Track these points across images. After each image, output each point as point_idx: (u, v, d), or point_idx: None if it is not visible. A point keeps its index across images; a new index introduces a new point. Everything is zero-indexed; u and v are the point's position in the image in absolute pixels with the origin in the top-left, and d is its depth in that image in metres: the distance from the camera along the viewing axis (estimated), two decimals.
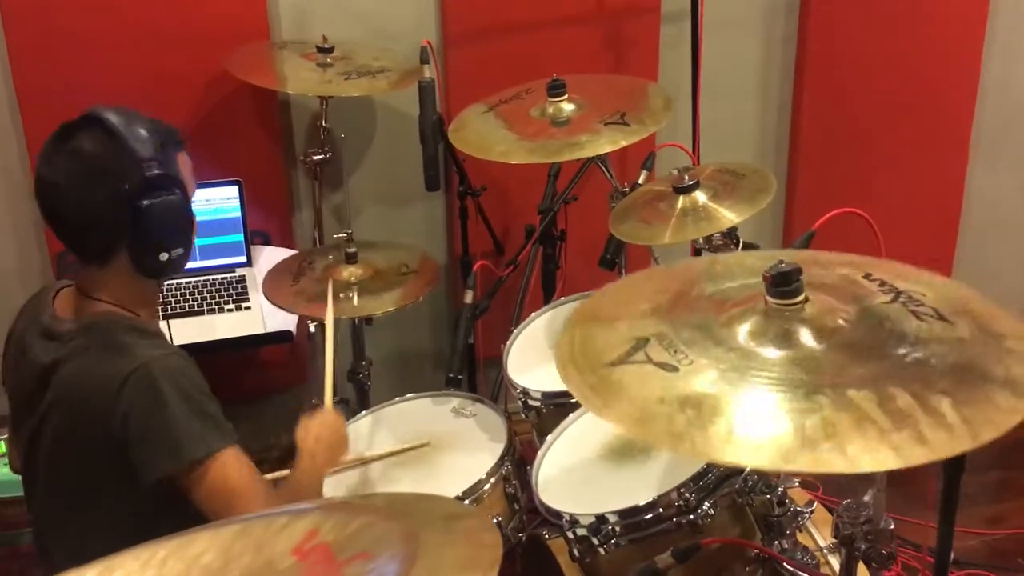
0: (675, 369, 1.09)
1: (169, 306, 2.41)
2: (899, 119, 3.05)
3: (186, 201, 1.62)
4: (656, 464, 1.72)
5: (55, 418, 1.58)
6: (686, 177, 1.91)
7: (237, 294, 2.49)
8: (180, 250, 1.62)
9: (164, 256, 1.59)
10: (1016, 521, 2.70)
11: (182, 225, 1.62)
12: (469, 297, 2.15)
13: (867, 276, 1.22)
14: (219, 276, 2.55)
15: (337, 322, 2.66)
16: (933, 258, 3.05)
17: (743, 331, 1.15)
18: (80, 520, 1.60)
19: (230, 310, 2.45)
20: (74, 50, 2.52)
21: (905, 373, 1.04)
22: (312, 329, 2.43)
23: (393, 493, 1.62)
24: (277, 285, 2.33)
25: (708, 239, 1.95)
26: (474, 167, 2.55)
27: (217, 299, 2.47)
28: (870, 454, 0.96)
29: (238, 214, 2.59)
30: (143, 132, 1.55)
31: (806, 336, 1.12)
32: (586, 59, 2.78)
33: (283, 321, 2.38)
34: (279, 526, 0.92)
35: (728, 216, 1.86)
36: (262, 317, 2.41)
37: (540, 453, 1.84)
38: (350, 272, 2.31)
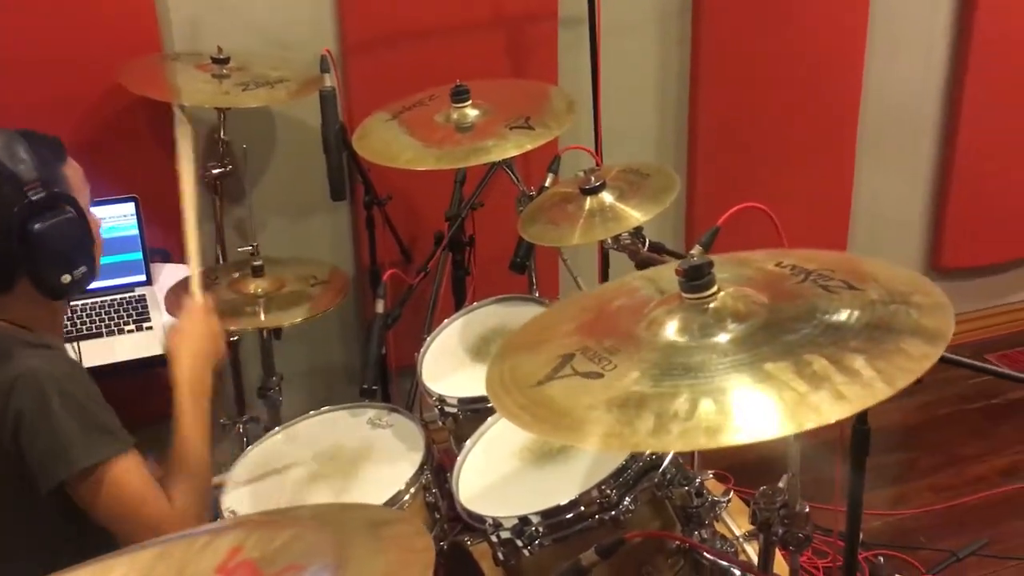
0: (600, 376, 1.14)
1: (67, 329, 2.32)
2: (790, 118, 3.15)
3: (81, 217, 1.55)
4: (576, 463, 1.73)
5: None
6: (592, 178, 1.93)
7: (138, 314, 2.41)
8: (83, 268, 1.55)
9: (67, 278, 1.53)
10: (917, 501, 2.80)
11: (81, 242, 1.55)
12: (380, 306, 2.12)
13: (779, 264, 1.27)
14: (118, 296, 2.46)
15: (245, 336, 2.64)
16: (828, 248, 3.16)
17: (663, 329, 1.19)
18: None
19: (131, 331, 2.37)
20: None
21: (820, 340, 1.09)
22: None
23: (318, 504, 1.59)
24: (181, 302, 2.26)
25: (616, 238, 1.97)
26: (378, 176, 2.53)
27: (117, 320, 2.39)
28: (792, 418, 1.01)
29: (135, 232, 2.51)
30: (22, 153, 1.48)
31: (723, 323, 1.16)
32: (487, 64, 2.79)
33: None
34: (201, 545, 0.89)
35: (635, 215, 1.88)
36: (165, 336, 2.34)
37: (459, 459, 1.84)
38: (256, 285, 2.26)
